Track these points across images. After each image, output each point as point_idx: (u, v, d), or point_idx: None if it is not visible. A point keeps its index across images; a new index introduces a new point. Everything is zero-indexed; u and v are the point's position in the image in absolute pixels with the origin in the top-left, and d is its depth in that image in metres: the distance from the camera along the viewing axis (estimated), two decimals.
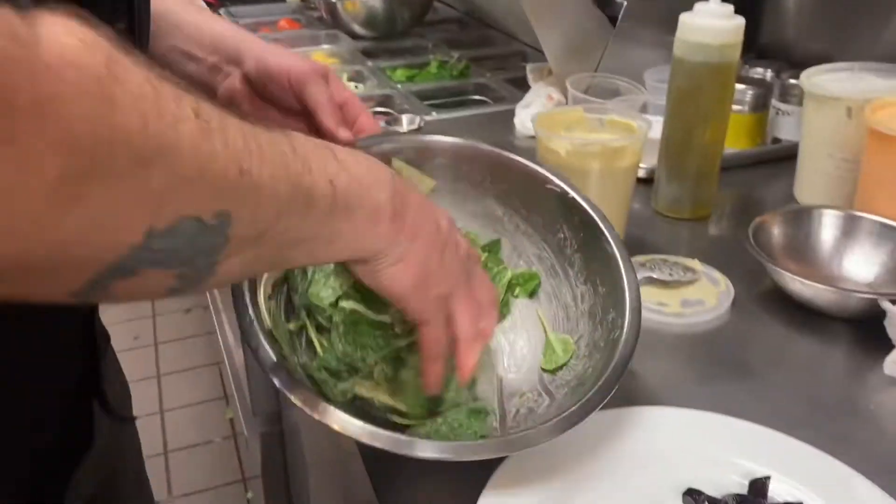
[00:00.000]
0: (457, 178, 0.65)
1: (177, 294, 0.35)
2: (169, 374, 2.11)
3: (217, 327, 1.88)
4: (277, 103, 0.68)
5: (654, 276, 0.75)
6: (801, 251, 0.77)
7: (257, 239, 0.36)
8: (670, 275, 0.76)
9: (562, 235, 0.63)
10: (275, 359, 0.51)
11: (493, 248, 0.65)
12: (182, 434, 1.90)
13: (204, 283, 0.35)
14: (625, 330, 0.54)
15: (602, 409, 0.56)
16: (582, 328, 0.59)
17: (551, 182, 0.63)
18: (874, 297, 0.66)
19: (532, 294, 0.64)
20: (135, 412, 0.69)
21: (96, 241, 0.29)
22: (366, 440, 0.46)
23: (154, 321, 2.32)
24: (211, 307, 1.98)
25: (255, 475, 1.57)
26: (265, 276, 0.57)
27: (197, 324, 2.29)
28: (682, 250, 0.82)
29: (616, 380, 0.52)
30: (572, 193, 0.62)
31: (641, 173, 0.98)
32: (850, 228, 0.76)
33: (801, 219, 0.78)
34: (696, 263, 0.77)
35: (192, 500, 1.73)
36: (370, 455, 0.54)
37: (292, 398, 0.49)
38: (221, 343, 1.82)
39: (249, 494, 1.73)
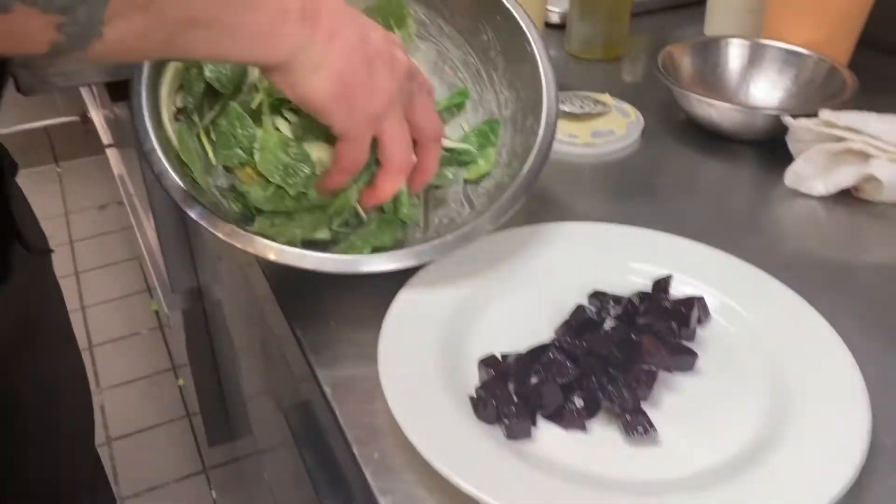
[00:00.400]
0: None
1: (63, 52, 0.33)
2: (87, 271, 2.05)
3: (134, 221, 1.82)
4: None
5: (566, 109, 0.75)
6: (710, 80, 0.77)
7: (145, 5, 0.34)
8: (581, 107, 0.75)
9: (485, 37, 0.60)
10: (184, 186, 0.49)
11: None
12: (106, 328, 1.87)
13: (92, 47, 0.34)
14: (540, 136, 0.54)
15: (516, 226, 0.56)
16: (504, 136, 0.59)
17: None
18: (777, 113, 0.67)
19: (459, 106, 0.62)
20: None
21: None
22: (307, 265, 0.47)
23: (67, 219, 2.23)
24: (126, 203, 1.91)
25: (184, 363, 1.57)
26: (165, 91, 0.54)
27: (112, 220, 2.21)
28: (596, 89, 0.81)
29: (528, 186, 0.51)
30: None
31: (555, 18, 0.97)
32: (755, 56, 0.77)
33: (709, 49, 0.78)
34: (606, 97, 0.77)
35: (121, 391, 1.72)
36: (283, 293, 0.54)
37: (217, 233, 0.47)
38: (140, 237, 1.77)
39: (181, 381, 1.73)
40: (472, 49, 0.61)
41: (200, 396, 1.39)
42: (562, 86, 0.83)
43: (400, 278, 0.51)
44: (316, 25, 0.42)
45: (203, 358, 1.32)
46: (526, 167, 0.53)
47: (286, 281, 0.55)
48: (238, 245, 0.48)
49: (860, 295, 0.54)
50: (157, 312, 1.91)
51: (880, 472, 0.41)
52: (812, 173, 0.64)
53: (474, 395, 0.43)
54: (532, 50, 0.57)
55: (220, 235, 0.48)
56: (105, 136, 1.75)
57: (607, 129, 0.73)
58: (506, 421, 0.41)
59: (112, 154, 1.71)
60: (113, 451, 1.58)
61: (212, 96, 0.55)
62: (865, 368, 0.47)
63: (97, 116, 1.86)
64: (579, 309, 0.48)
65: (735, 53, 0.77)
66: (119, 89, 1.01)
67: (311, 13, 0.42)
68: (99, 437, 1.61)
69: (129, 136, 1.14)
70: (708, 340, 0.49)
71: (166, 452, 1.58)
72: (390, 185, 0.49)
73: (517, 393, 0.43)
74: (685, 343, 0.47)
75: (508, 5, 0.58)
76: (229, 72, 0.54)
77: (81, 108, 2.26)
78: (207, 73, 0.54)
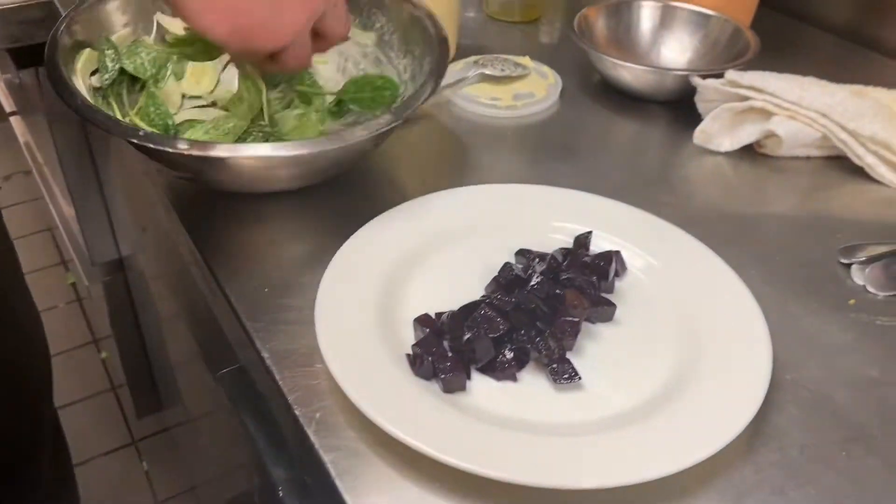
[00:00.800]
0: None
1: None
2: None
3: (45, 191, 1.75)
4: None
5: (487, 72, 0.76)
6: (623, 42, 0.80)
7: None
8: (502, 70, 0.77)
9: (379, 24, 0.66)
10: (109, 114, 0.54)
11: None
12: None
13: None
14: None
15: (442, 188, 0.58)
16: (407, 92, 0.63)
17: None
18: (686, 73, 0.70)
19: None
20: None
21: None
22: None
23: None
24: (35, 172, 1.83)
25: (106, 335, 1.53)
26: (79, 70, 0.56)
27: (20, 191, 2.12)
28: (515, 52, 0.83)
29: (406, 107, 0.56)
30: None
31: None
32: (666, 18, 0.80)
33: (622, 11, 0.80)
34: (526, 60, 0.79)
35: None
36: (215, 263, 0.54)
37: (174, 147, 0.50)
38: (52, 207, 1.70)
39: (103, 354, 1.69)
40: (370, 40, 0.68)
41: (126, 368, 1.37)
42: (481, 48, 0.85)
43: (332, 245, 0.52)
44: None
45: (127, 329, 1.30)
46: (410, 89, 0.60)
47: (218, 250, 0.55)
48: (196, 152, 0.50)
49: (763, 244, 0.58)
50: (74, 285, 1.86)
51: (780, 404, 0.46)
52: (718, 131, 0.68)
53: (410, 353, 0.45)
54: (419, 13, 0.65)
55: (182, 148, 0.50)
56: (7, 104, 1.66)
57: (527, 91, 0.75)
58: (441, 376, 0.44)
59: (16, 122, 1.63)
60: None
61: (130, 82, 0.62)
62: (768, 313, 0.52)
63: None
64: (506, 266, 0.51)
65: (647, 15, 0.80)
66: (24, 56, 0.97)
67: None
68: None
69: (37, 103, 1.09)
70: (626, 292, 0.52)
71: (92, 427, 1.55)
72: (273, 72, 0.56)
73: (451, 348, 0.45)
74: (605, 295, 0.50)
75: None
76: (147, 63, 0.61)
77: None
78: (128, 65, 0.61)
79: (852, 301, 0.53)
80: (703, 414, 0.42)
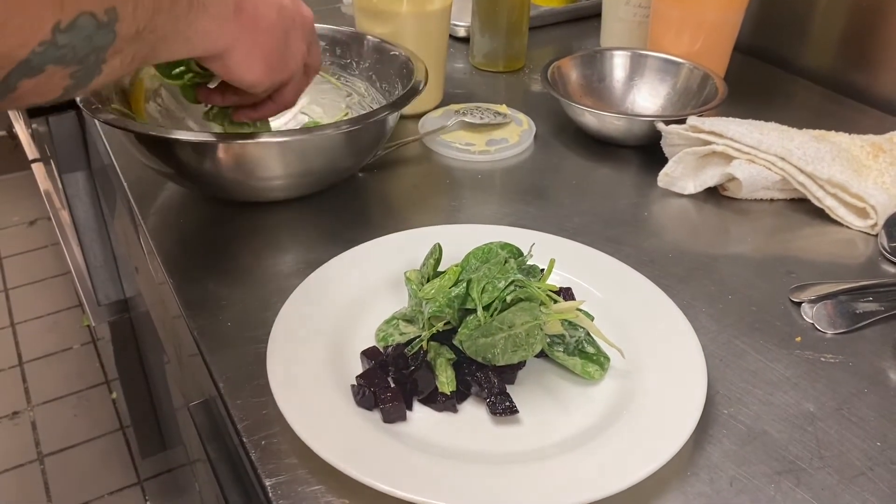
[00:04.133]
0: None
1: (68, 94, 0.38)
2: (17, 287, 2.03)
3: (60, 237, 1.81)
4: None
5: (467, 119, 0.79)
6: (597, 90, 0.83)
7: (136, 36, 0.39)
8: (481, 119, 0.80)
9: (348, 60, 0.79)
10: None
11: None
12: (37, 344, 1.85)
13: (91, 82, 0.39)
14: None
15: (408, 228, 0.61)
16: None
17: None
18: (651, 119, 0.73)
19: None
20: None
21: (9, 38, 0.32)
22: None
23: None
24: (52, 218, 1.90)
25: (117, 377, 1.57)
26: None
27: (42, 236, 2.19)
28: (498, 99, 0.86)
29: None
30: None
31: (461, 31, 1.02)
32: (637, 66, 0.83)
33: (595, 60, 0.83)
34: (503, 108, 0.82)
35: (54, 407, 1.71)
36: (187, 300, 0.57)
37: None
38: (66, 252, 1.76)
39: (114, 395, 1.73)
40: (343, 81, 0.80)
41: (131, 408, 1.40)
42: (466, 97, 0.89)
43: (292, 282, 0.54)
44: (242, 15, 0.49)
45: (132, 369, 1.33)
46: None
47: (189, 284, 0.58)
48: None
49: (717, 283, 0.60)
50: (89, 327, 1.90)
51: (716, 437, 0.47)
52: (682, 174, 0.70)
53: (354, 384, 0.47)
54: (401, 54, 0.75)
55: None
56: (30, 152, 1.73)
57: (501, 137, 0.78)
58: (381, 406, 0.46)
59: (38, 169, 1.70)
60: (45, 466, 1.58)
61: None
62: (714, 349, 0.53)
63: (22, 131, 1.84)
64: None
65: (619, 63, 0.83)
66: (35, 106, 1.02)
67: (239, 5, 0.48)
68: (29, 453, 1.60)
69: (51, 151, 1.15)
70: None
71: (100, 466, 1.58)
72: (270, 113, 0.61)
73: (395, 380, 0.47)
74: None
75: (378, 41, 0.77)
76: None
77: (7, 123, 2.23)
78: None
79: (799, 338, 0.54)
80: (634, 443, 0.44)
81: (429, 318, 0.49)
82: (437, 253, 0.54)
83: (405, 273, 0.54)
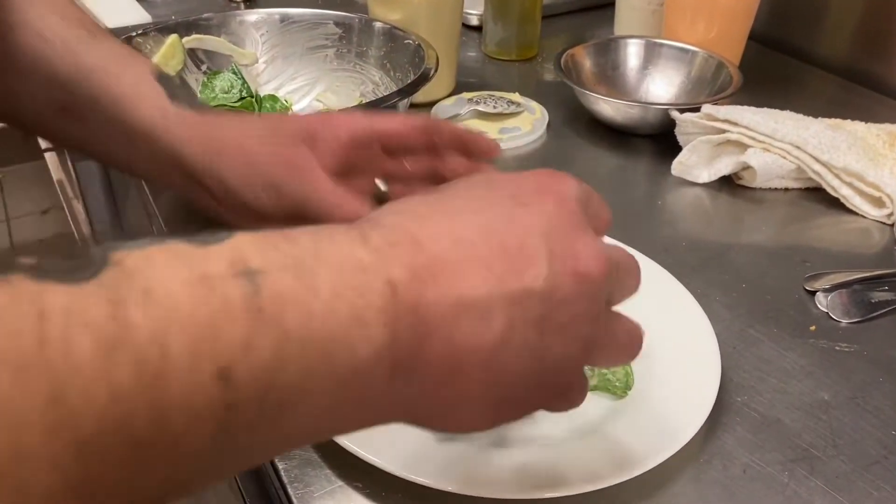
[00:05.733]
0: None
1: None
2: None
3: (73, 227, 1.82)
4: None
5: (480, 108, 0.79)
6: (611, 79, 0.82)
7: None
8: (494, 107, 0.80)
9: (364, 48, 0.78)
10: None
11: None
12: None
13: None
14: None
15: None
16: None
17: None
18: (666, 107, 0.72)
19: None
20: None
21: None
22: None
23: (8, 225, 2.22)
24: (65, 207, 1.91)
25: None
26: None
27: (56, 225, 2.21)
28: (511, 88, 0.86)
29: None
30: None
31: (474, 20, 1.01)
32: (652, 55, 0.82)
33: (608, 49, 0.83)
34: (516, 96, 0.82)
35: None
36: None
37: None
38: (79, 241, 1.77)
39: None
40: (359, 69, 0.80)
41: None
42: (479, 85, 0.88)
43: None
44: (413, 374, 0.27)
45: None
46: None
47: None
48: None
49: (732, 272, 0.59)
50: None
51: (729, 425, 0.47)
52: (696, 163, 0.69)
53: None
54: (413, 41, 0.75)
55: None
56: (43, 141, 1.74)
57: (514, 126, 0.77)
58: None
59: (51, 158, 1.71)
60: None
61: None
62: (727, 337, 0.53)
63: None
64: None
65: (633, 52, 0.82)
66: None
67: (407, 362, 0.27)
68: None
69: None
70: None
71: None
72: None
73: None
74: None
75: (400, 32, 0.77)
76: None
77: None
78: None
79: (813, 327, 0.54)
80: (647, 430, 0.44)
81: None
82: None
83: None
